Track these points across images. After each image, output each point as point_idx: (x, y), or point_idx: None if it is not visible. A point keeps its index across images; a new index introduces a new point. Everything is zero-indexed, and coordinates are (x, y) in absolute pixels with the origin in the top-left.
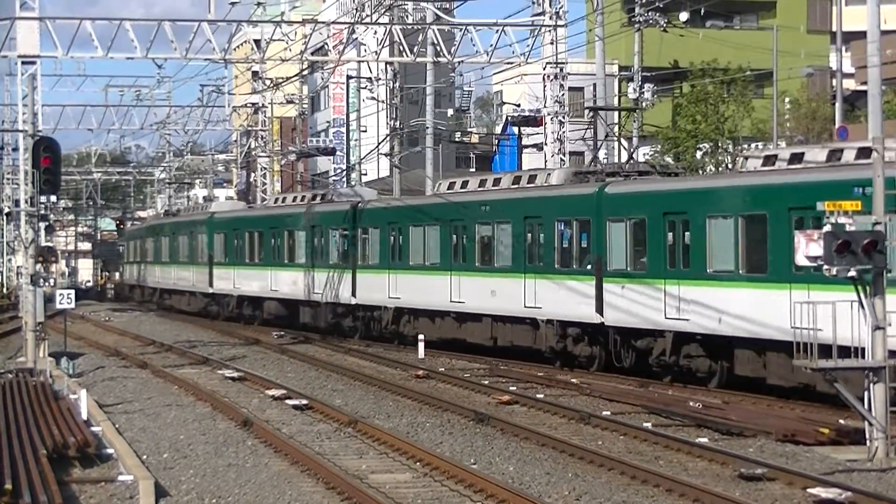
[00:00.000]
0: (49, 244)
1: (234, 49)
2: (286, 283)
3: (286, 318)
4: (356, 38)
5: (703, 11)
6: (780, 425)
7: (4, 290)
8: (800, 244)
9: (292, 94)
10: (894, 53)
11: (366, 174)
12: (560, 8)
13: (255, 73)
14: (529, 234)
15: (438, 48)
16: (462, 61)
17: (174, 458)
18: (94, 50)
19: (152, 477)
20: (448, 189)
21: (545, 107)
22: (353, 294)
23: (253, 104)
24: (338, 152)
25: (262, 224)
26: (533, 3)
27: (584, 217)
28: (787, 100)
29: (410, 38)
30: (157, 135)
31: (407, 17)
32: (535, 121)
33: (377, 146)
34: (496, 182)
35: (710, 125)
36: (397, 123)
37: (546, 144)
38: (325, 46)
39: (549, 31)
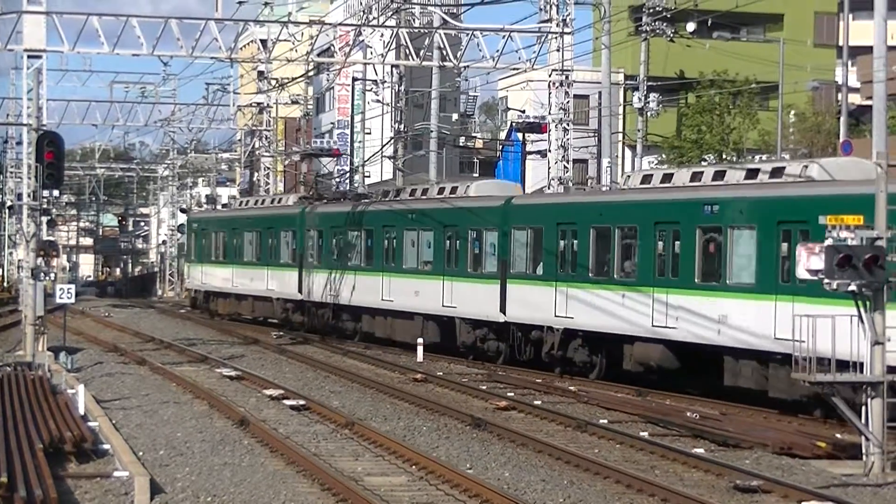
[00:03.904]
0: (50, 238)
1: (241, 48)
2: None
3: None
4: (362, 41)
5: (710, 23)
6: (777, 438)
7: (5, 283)
8: (801, 257)
9: (297, 95)
10: None
11: (369, 176)
12: (567, 16)
13: (260, 73)
14: None
15: (444, 52)
16: (468, 66)
17: (170, 456)
18: (100, 46)
19: (148, 474)
20: None
21: (550, 114)
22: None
23: (258, 104)
24: (342, 154)
25: (623, 216)
26: (540, 10)
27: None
28: (792, 113)
29: (417, 41)
30: (162, 132)
31: (414, 20)
32: (539, 127)
33: (381, 149)
34: None
35: (715, 136)
36: (401, 126)
37: (550, 151)
38: (332, 48)
39: (556, 38)
